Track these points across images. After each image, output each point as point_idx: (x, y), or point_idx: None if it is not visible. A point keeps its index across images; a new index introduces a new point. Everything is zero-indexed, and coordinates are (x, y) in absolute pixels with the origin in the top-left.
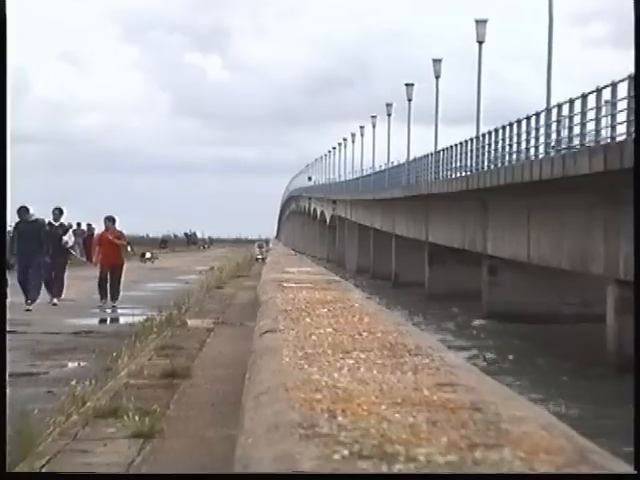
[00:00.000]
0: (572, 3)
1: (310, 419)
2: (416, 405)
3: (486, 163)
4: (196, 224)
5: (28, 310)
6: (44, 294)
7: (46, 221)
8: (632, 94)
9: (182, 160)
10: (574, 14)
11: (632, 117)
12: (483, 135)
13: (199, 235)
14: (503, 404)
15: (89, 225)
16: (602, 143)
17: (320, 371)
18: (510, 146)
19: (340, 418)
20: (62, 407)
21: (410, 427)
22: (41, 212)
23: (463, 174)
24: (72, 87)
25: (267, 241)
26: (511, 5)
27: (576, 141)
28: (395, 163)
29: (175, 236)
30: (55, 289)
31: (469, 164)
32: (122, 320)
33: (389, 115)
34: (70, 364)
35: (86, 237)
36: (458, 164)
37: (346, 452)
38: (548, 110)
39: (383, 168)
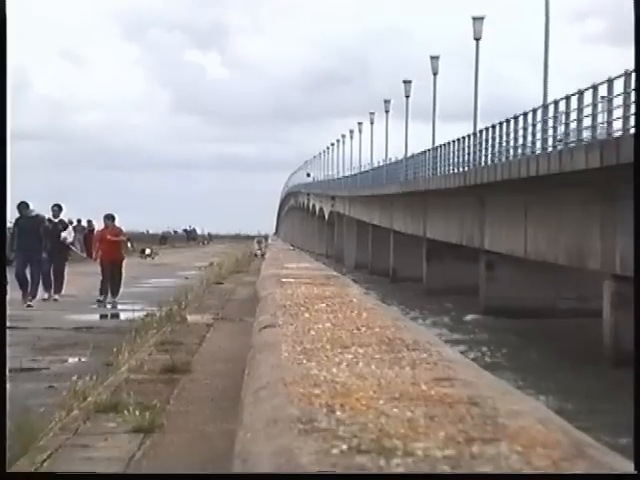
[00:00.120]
0: (569, 0)
1: (309, 414)
2: (414, 400)
3: (483, 159)
4: (196, 220)
5: (29, 306)
6: (40, 290)
7: (46, 217)
8: (628, 90)
9: (181, 157)
10: (571, 11)
11: (628, 113)
12: (480, 131)
13: (199, 231)
14: (500, 398)
15: (89, 221)
16: (599, 139)
17: (319, 366)
18: (507, 142)
19: (339, 413)
20: (63, 402)
21: (408, 422)
22: (41, 208)
23: (460, 170)
24: (72, 85)
25: (266, 237)
26: (508, 2)
27: (572, 137)
28: (393, 159)
29: (175, 232)
30: (55, 285)
31: (466, 160)
32: (122, 316)
33: (387, 112)
34: (71, 359)
35: (86, 233)
36: (455, 160)
37: (345, 447)
38: (545, 106)
39: (381, 164)
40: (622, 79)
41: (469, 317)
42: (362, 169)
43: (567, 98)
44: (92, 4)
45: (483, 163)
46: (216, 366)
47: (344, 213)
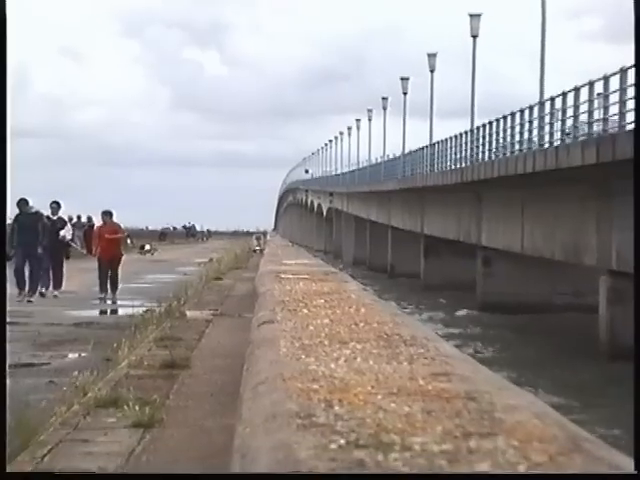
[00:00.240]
0: None
1: (307, 409)
2: (411, 395)
3: (480, 156)
4: (195, 217)
5: (29, 302)
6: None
7: (45, 215)
8: (624, 87)
9: (181, 154)
10: (568, 8)
11: (624, 110)
12: (477, 128)
13: (198, 228)
14: (497, 393)
15: (89, 218)
16: (595, 135)
17: (317, 361)
18: (504, 139)
19: (337, 408)
20: (63, 397)
21: (405, 416)
22: (41, 205)
23: (458, 166)
24: (72, 82)
25: (265, 233)
26: (505, 0)
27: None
28: (391, 156)
29: (174, 229)
30: (55, 281)
31: (464, 157)
32: (122, 312)
33: (385, 109)
34: (71, 355)
35: (86, 229)
36: (453, 157)
37: (343, 441)
38: (541, 103)
39: (379, 161)
40: (618, 76)
41: (466, 312)
42: (360, 166)
43: (563, 95)
44: (92, 2)
45: (480, 159)
46: (215, 361)
47: (342, 209)
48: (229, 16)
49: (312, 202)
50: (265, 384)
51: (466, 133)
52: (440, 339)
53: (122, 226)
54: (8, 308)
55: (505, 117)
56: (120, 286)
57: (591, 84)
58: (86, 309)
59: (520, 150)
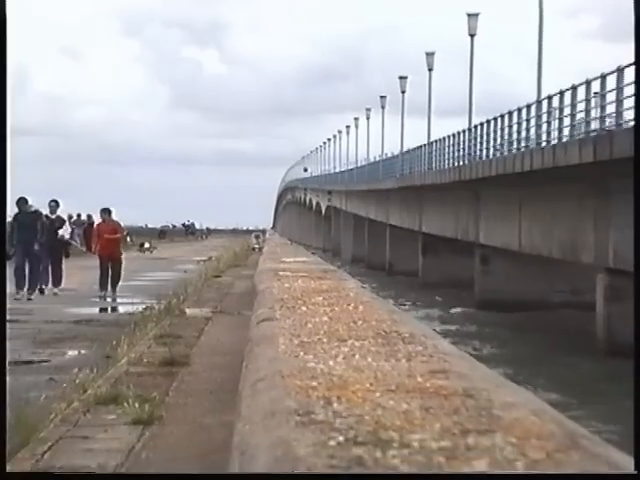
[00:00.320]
0: None
1: (306, 406)
2: (410, 392)
3: (478, 154)
4: (194, 215)
5: (29, 299)
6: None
7: (43, 214)
8: (621, 86)
9: (180, 152)
10: (566, 7)
11: (621, 109)
12: (475, 127)
13: (197, 226)
14: (495, 390)
15: (89, 216)
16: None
17: (316, 359)
18: (502, 137)
19: (335, 405)
20: (63, 394)
21: (404, 413)
22: (40, 204)
23: (456, 165)
24: (72, 81)
25: (264, 231)
26: None
27: (566, 132)
28: (389, 154)
29: (174, 226)
30: (54, 279)
31: (462, 155)
32: (122, 309)
33: (383, 107)
34: (71, 352)
35: (86, 227)
36: (451, 155)
37: (341, 438)
38: (539, 102)
39: (377, 159)
40: (614, 75)
41: (464, 310)
42: (358, 164)
43: (561, 94)
44: (92, 1)
45: (478, 158)
46: (214, 359)
47: (341, 208)
48: (228, 15)
49: (311, 200)
50: (264, 381)
51: (464, 132)
52: (438, 337)
53: (122, 224)
54: (8, 306)
55: (503, 116)
56: (120, 284)
57: (588, 83)
58: (86, 306)
59: (518, 148)
